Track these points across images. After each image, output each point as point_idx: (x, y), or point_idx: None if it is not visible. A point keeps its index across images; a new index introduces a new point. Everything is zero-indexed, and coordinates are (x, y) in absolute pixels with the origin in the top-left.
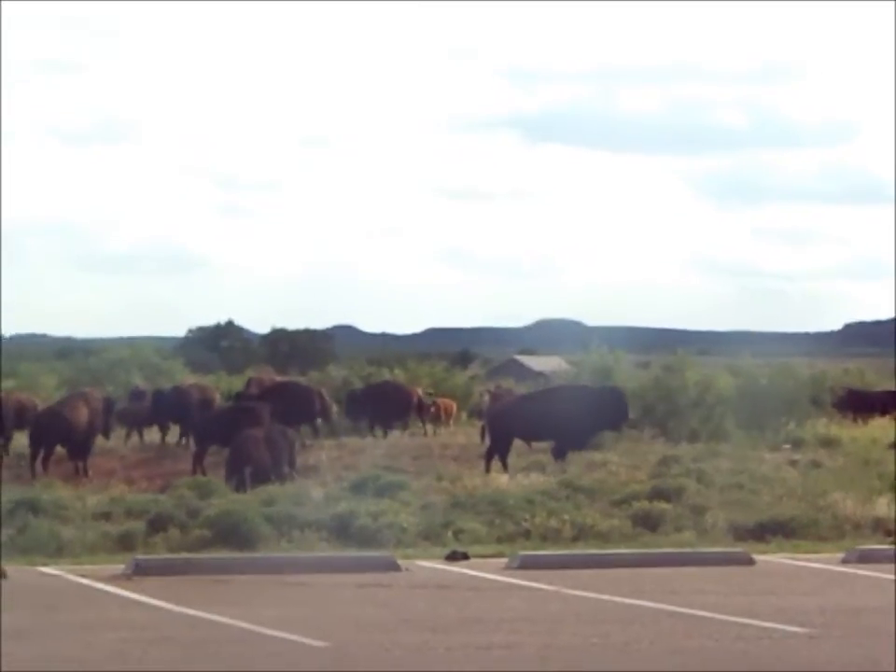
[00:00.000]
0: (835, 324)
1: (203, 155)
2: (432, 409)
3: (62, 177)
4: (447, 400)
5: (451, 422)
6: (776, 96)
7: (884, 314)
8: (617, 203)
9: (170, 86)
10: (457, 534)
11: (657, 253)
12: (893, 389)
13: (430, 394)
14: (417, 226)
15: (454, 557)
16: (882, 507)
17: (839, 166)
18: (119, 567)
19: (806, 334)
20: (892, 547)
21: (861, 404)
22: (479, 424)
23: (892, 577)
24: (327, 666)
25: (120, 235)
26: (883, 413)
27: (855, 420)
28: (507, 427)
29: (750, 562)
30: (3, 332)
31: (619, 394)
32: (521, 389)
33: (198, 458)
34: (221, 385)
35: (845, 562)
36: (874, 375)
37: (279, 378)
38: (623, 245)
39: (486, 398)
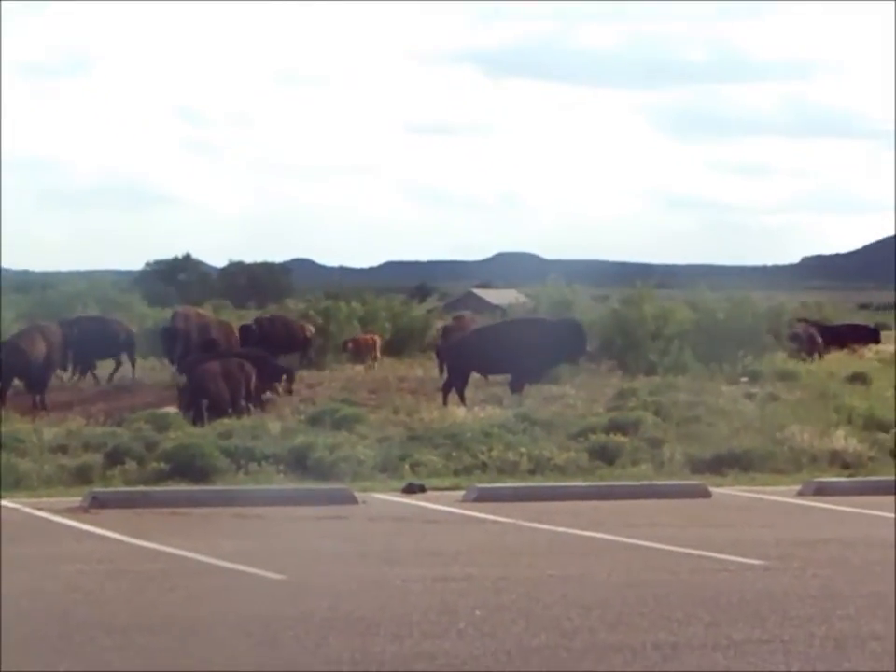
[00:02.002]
0: (793, 257)
1: (168, 89)
2: (349, 345)
3: (22, 110)
4: (368, 336)
5: (375, 357)
6: (734, 31)
7: (842, 247)
8: (577, 137)
9: (137, 18)
10: (414, 467)
11: (616, 186)
12: (852, 322)
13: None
14: (376, 160)
15: (410, 490)
16: (839, 440)
17: (797, 100)
18: (77, 500)
19: (764, 267)
20: (848, 479)
21: (819, 336)
22: (435, 357)
23: (848, 509)
24: (284, 599)
25: (80, 169)
26: (841, 346)
27: (811, 354)
28: (464, 361)
29: (707, 494)
30: None
31: (577, 326)
32: (479, 322)
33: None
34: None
35: (801, 494)
36: (832, 309)
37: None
38: (583, 179)
39: (441, 331)
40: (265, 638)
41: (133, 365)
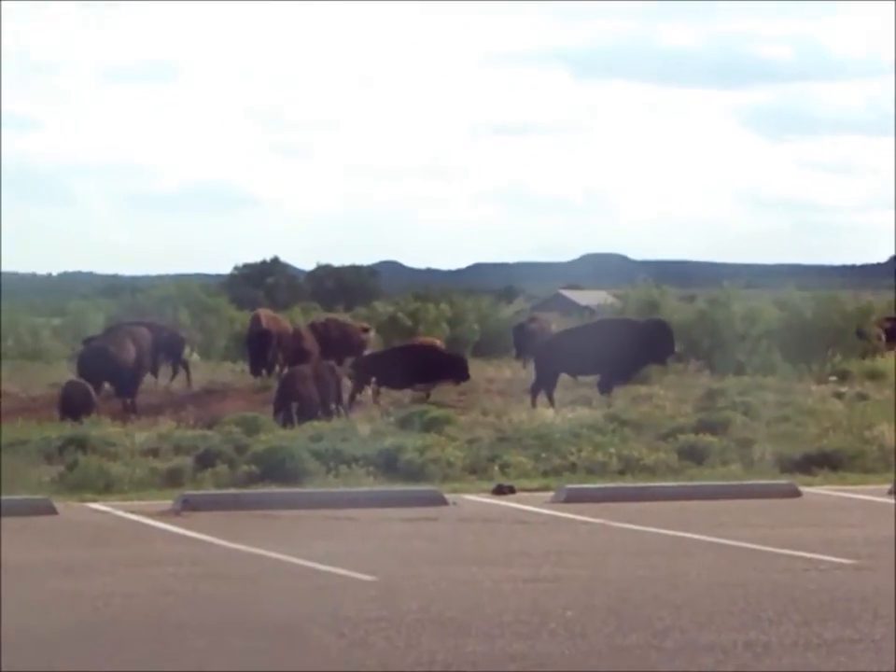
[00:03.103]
0: (881, 256)
1: (253, 93)
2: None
3: (112, 116)
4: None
5: None
6: (820, 29)
7: None
8: (663, 137)
9: (222, 24)
10: (503, 468)
11: (703, 186)
12: None
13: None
14: (462, 161)
15: (500, 491)
16: None
17: (885, 98)
18: (168, 503)
19: (853, 266)
20: None
21: None
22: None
23: None
24: (376, 600)
25: (169, 174)
26: None
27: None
28: (552, 362)
29: (797, 494)
30: (51, 270)
31: (664, 327)
32: (567, 324)
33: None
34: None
35: (892, 493)
36: None
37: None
38: (670, 179)
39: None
40: (357, 639)
41: (186, 369)
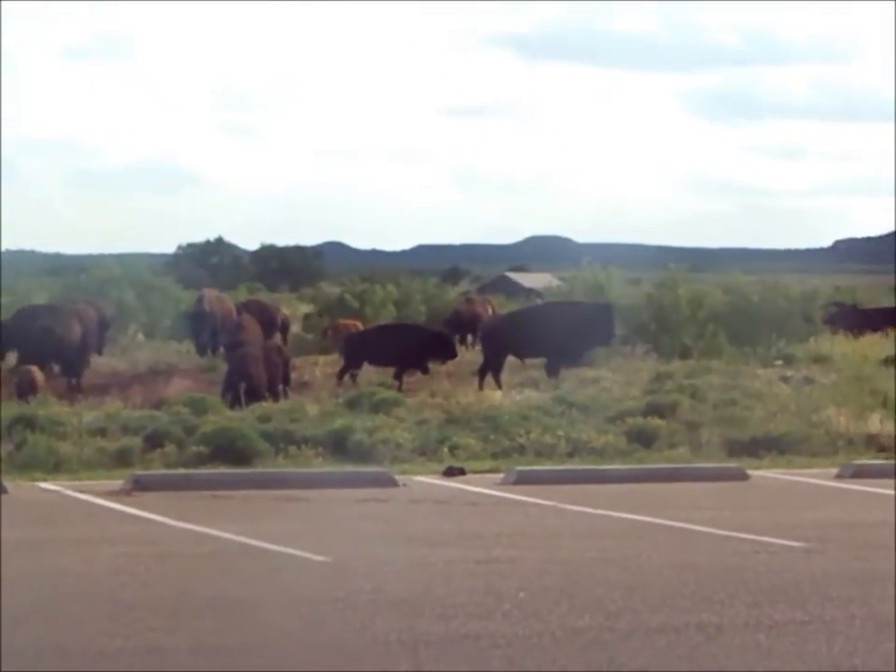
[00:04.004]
0: (826, 240)
1: (201, 71)
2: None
3: (57, 92)
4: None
5: None
6: (769, 14)
7: (875, 230)
8: (610, 121)
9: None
10: (452, 450)
11: (649, 170)
12: (886, 306)
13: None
14: (409, 143)
15: (450, 473)
16: (875, 423)
17: (831, 83)
18: (118, 483)
19: (798, 251)
20: (886, 462)
21: (853, 321)
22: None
23: (886, 491)
24: (329, 581)
25: (114, 152)
26: (875, 329)
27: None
28: (500, 344)
29: (745, 477)
30: None
31: (606, 309)
32: (512, 306)
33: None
34: None
35: (839, 477)
36: (865, 292)
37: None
38: (617, 162)
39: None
40: (311, 619)
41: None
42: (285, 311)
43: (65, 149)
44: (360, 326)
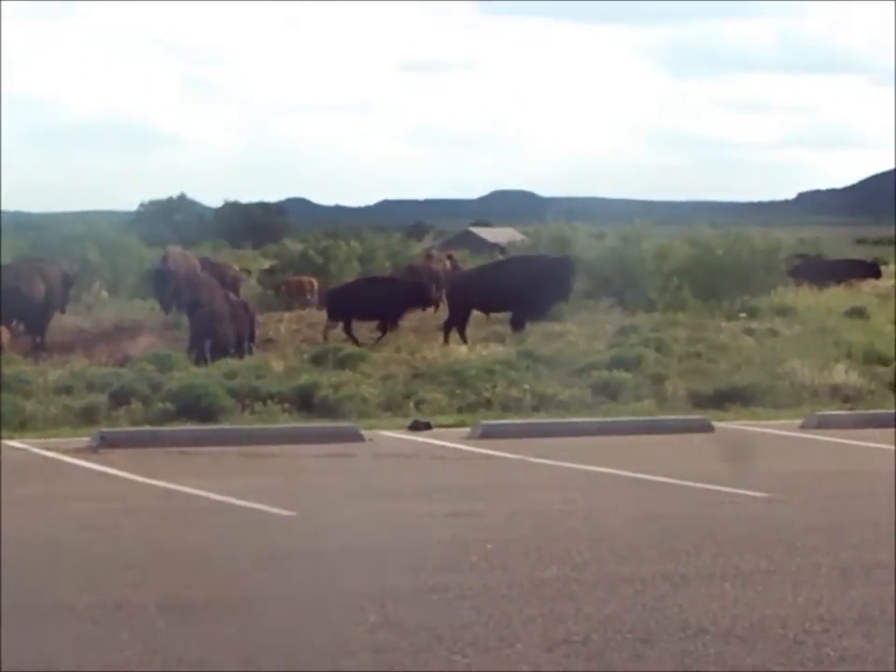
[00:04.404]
0: (790, 193)
1: (165, 29)
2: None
3: (17, 47)
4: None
5: (313, 300)
6: None
7: (838, 183)
8: (574, 74)
9: None
10: (418, 404)
11: (614, 124)
12: (850, 258)
13: (248, 271)
14: (372, 98)
15: (416, 427)
16: (839, 374)
17: (794, 36)
18: (84, 441)
19: (761, 203)
20: (849, 413)
21: (817, 272)
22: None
23: (849, 441)
24: (297, 535)
25: (77, 109)
26: (839, 281)
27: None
28: (465, 299)
29: (710, 429)
30: None
31: (567, 263)
32: (476, 261)
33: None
34: None
35: (803, 428)
36: (829, 244)
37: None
38: (581, 117)
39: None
40: (279, 572)
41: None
42: (236, 267)
43: (27, 107)
44: (315, 283)
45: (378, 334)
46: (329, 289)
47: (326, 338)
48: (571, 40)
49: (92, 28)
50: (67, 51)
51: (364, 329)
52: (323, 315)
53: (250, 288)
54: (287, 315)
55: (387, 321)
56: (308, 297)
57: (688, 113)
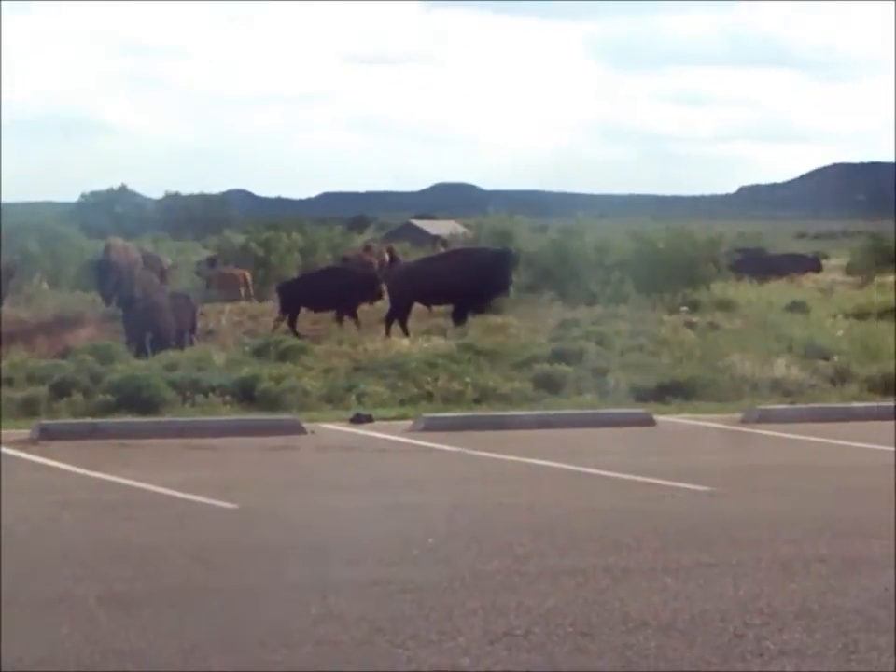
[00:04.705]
0: (731, 187)
1: (105, 19)
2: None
3: None
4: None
5: (246, 292)
6: None
7: (779, 177)
8: (516, 69)
9: None
10: (360, 397)
11: (555, 118)
12: (791, 252)
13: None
14: (314, 90)
15: (358, 420)
16: (780, 368)
17: (733, 30)
18: (25, 433)
19: (703, 197)
20: (790, 407)
21: (758, 266)
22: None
23: (790, 436)
24: (238, 528)
25: (17, 99)
26: (780, 275)
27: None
28: (406, 291)
29: (651, 423)
30: None
31: (505, 256)
32: (418, 254)
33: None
34: None
35: (744, 422)
36: (770, 238)
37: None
38: (522, 110)
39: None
40: (221, 565)
41: None
42: (168, 260)
43: None
44: (248, 275)
45: (318, 327)
46: (281, 281)
47: (275, 329)
48: (515, 34)
49: (35, 20)
50: (9, 43)
51: (306, 322)
52: (265, 306)
53: (192, 280)
54: (228, 306)
55: (341, 312)
56: (241, 290)
57: (630, 107)
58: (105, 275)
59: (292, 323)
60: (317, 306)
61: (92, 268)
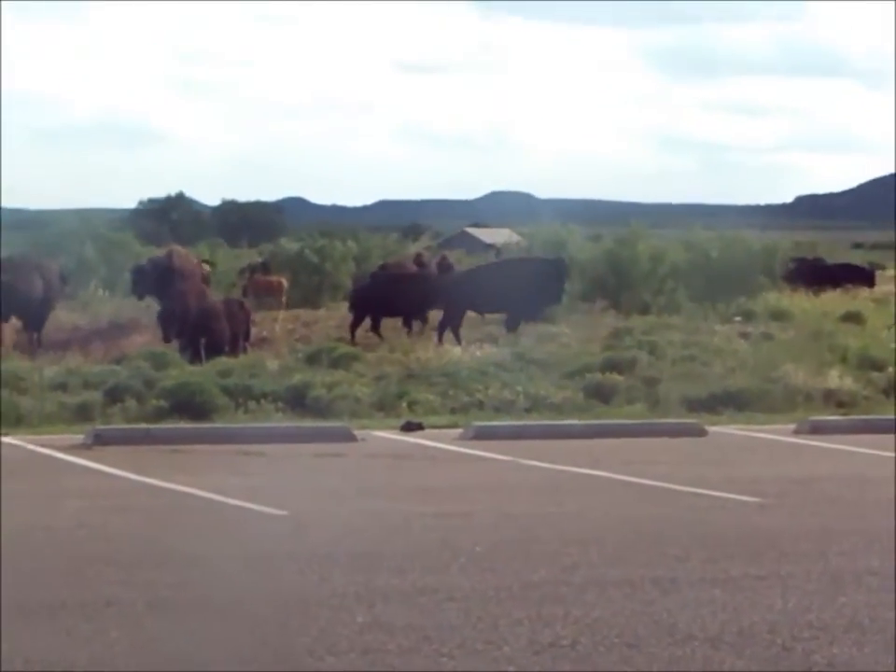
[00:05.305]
0: (787, 196)
1: (163, 30)
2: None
3: (20, 47)
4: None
5: (281, 304)
6: None
7: (835, 186)
8: (572, 77)
9: None
10: (411, 405)
11: (611, 126)
12: (846, 263)
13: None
14: (369, 98)
15: (408, 428)
16: (833, 379)
17: (792, 40)
18: (79, 438)
19: (758, 206)
20: (843, 418)
21: (813, 276)
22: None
23: (843, 447)
24: (287, 534)
25: (77, 108)
26: (835, 285)
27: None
28: (459, 300)
29: (703, 433)
30: None
31: (560, 265)
32: (473, 262)
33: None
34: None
35: (797, 433)
36: (825, 248)
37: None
38: (577, 118)
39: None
40: (269, 573)
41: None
42: (206, 266)
43: (27, 105)
44: (284, 283)
45: (370, 334)
46: (353, 287)
47: (353, 335)
48: (570, 42)
49: (92, 28)
50: (67, 51)
51: (360, 329)
52: (318, 313)
53: (228, 288)
54: (282, 313)
55: (412, 318)
56: (283, 297)
57: (686, 116)
58: (167, 282)
59: (354, 329)
60: (390, 312)
61: (152, 272)
